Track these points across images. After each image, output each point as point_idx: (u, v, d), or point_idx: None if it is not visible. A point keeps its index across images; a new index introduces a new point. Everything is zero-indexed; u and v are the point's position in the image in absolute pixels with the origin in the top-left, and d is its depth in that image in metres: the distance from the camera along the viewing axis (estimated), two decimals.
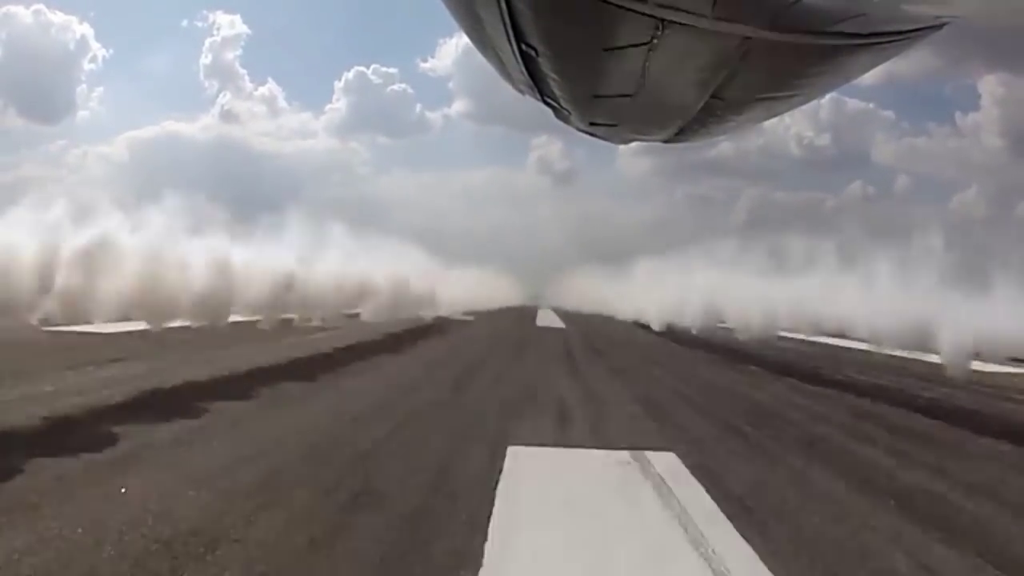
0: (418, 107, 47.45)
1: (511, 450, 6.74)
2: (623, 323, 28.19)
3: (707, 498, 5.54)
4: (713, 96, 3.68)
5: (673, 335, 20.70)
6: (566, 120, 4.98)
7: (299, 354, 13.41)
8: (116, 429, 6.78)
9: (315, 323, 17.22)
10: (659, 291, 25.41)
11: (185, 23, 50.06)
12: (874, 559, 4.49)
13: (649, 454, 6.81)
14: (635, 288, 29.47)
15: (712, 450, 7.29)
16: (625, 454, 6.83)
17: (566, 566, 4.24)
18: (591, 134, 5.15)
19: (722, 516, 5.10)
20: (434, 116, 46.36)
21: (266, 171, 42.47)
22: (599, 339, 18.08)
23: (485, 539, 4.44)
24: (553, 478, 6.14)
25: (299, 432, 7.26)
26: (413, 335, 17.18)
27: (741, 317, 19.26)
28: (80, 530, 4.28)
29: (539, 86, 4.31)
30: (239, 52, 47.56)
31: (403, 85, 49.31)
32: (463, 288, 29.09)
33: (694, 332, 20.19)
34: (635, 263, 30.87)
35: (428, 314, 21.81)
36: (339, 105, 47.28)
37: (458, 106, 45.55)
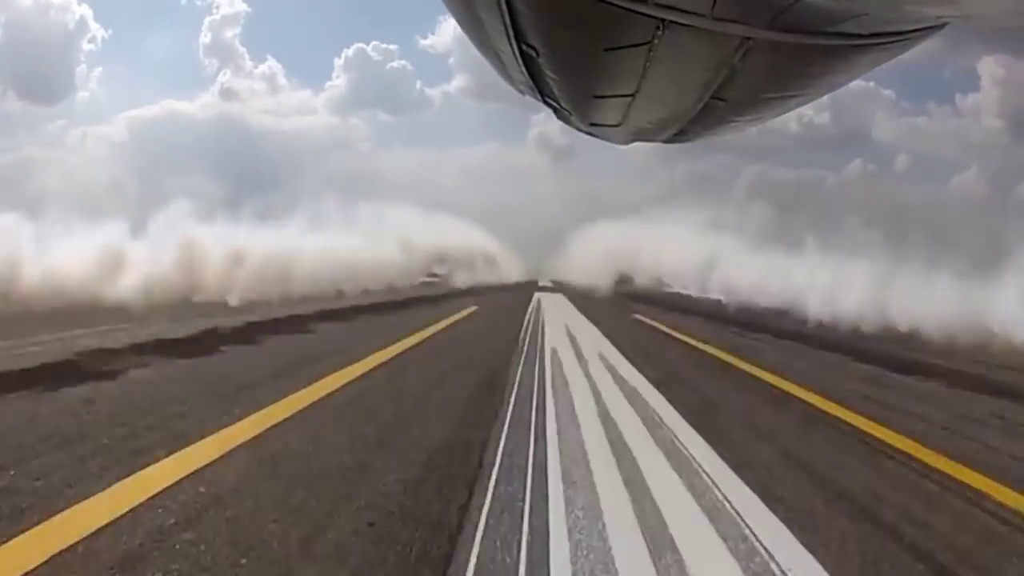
0: (418, 84, 47.07)
1: (535, 294, 27.12)
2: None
3: (566, 300, 26.00)
4: (713, 96, 3.67)
5: (619, 292, 32.05)
6: (566, 120, 4.97)
7: (475, 284, 31.06)
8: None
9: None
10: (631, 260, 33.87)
11: (184, 2, 49.79)
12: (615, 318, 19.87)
13: (560, 295, 28.72)
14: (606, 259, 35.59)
15: (573, 297, 26.79)
16: (554, 294, 28.75)
17: (550, 304, 22.92)
18: (591, 134, 5.14)
19: (569, 303, 24.35)
20: (434, 93, 46.09)
21: (266, 148, 42.58)
22: (570, 291, 31.61)
23: (531, 298, 25.44)
24: (545, 296, 26.80)
25: (496, 300, 24.64)
26: (488, 288, 30.73)
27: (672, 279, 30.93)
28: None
29: (539, 86, 4.30)
30: (238, 31, 47.15)
31: (403, 62, 48.79)
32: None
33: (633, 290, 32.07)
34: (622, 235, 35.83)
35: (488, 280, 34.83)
36: (339, 82, 47.16)
37: (458, 82, 45.25)
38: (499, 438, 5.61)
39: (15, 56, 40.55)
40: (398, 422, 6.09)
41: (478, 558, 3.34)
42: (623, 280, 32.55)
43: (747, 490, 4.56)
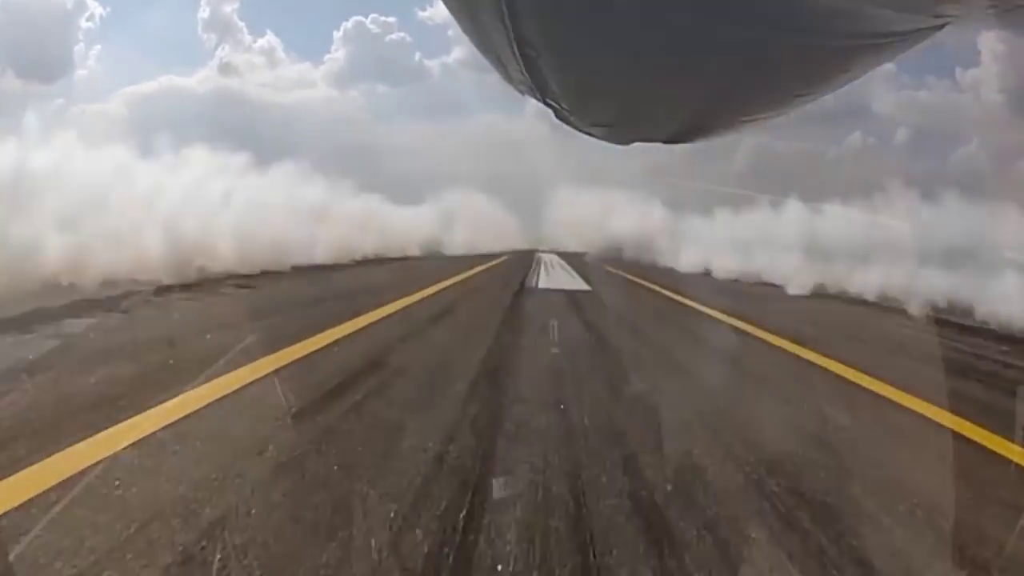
0: (417, 55, 46.40)
1: (537, 254, 28.58)
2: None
3: (556, 256, 28.31)
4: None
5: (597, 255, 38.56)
6: (566, 120, 4.96)
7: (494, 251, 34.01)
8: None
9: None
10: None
11: None
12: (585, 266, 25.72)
13: (553, 254, 28.80)
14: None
15: (565, 256, 28.19)
16: (549, 254, 28.64)
17: (544, 255, 28.39)
18: (591, 134, 5.14)
19: (558, 260, 27.59)
20: (433, 64, 45.72)
21: (266, 121, 42.43)
22: (560, 252, 37.08)
23: (534, 255, 28.49)
24: (543, 253, 28.19)
25: (511, 257, 27.97)
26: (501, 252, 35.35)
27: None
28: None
29: (539, 86, 4.30)
30: (236, 5, 46.61)
31: (402, 34, 48.15)
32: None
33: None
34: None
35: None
36: (338, 55, 46.63)
37: (456, 53, 44.68)
38: (532, 264, 23.73)
39: (13, 35, 40.61)
40: (512, 267, 23.50)
41: (534, 267, 22.41)
42: (606, 247, 39.25)
43: (579, 276, 20.88)
